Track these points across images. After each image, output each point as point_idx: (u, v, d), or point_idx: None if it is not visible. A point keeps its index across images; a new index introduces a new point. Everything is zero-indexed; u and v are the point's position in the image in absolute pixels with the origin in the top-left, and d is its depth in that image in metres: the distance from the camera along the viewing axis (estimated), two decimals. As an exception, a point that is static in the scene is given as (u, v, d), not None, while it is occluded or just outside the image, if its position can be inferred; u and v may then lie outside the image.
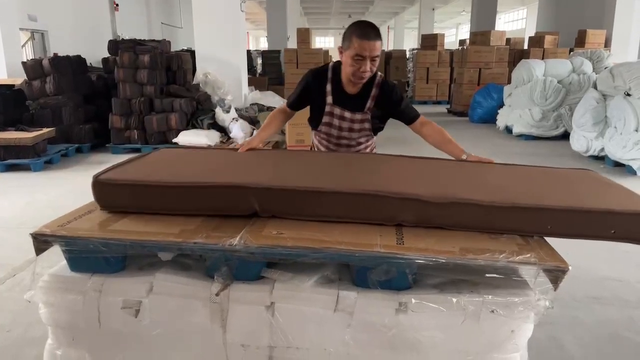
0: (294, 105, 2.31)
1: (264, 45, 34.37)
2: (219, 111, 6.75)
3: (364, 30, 1.97)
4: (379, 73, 2.18)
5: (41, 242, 1.40)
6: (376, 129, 2.31)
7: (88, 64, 7.65)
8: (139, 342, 1.44)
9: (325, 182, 1.52)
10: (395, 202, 1.40)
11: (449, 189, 1.48)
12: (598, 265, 2.93)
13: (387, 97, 2.18)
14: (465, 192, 1.43)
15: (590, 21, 11.30)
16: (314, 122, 2.33)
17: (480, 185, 1.59)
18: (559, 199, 1.41)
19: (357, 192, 1.43)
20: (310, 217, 1.46)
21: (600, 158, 5.91)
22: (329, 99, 2.20)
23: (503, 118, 8.56)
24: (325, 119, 2.24)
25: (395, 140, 7.43)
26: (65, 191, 4.75)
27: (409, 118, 2.23)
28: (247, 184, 1.47)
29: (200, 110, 6.92)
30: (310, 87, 2.24)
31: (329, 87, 2.19)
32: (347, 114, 2.20)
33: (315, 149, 2.44)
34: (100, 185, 1.53)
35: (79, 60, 7.18)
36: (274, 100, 8.06)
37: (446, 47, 14.04)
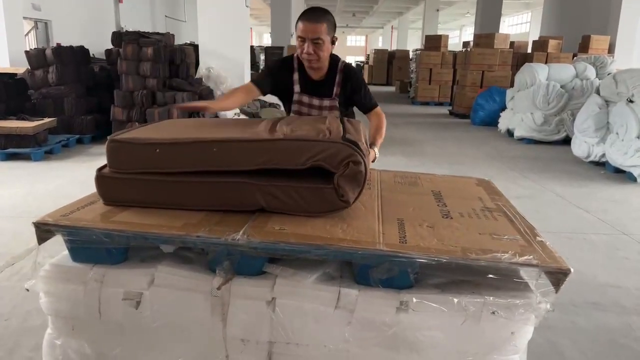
0: (259, 82, 2.29)
1: (267, 41, 34.32)
2: (221, 106, 6.74)
3: (305, 14, 2.10)
4: (342, 60, 2.26)
5: (43, 231, 1.40)
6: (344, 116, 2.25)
7: (91, 55, 7.64)
8: (138, 333, 1.45)
9: None
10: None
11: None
12: (597, 272, 2.93)
13: (349, 82, 2.24)
14: None
15: (595, 27, 11.28)
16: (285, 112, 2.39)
17: None
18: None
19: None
20: None
21: (601, 164, 5.92)
22: (297, 88, 2.27)
23: (505, 121, 8.55)
24: (294, 107, 2.30)
25: (395, 141, 7.43)
26: (65, 181, 4.74)
27: (365, 108, 2.31)
28: (252, 181, 1.46)
29: (203, 104, 6.91)
30: (274, 73, 2.32)
31: (296, 77, 2.26)
32: (316, 101, 2.26)
33: None
34: (103, 179, 1.52)
35: (82, 51, 7.17)
36: (276, 97, 8.05)
37: (450, 48, 14.01)
